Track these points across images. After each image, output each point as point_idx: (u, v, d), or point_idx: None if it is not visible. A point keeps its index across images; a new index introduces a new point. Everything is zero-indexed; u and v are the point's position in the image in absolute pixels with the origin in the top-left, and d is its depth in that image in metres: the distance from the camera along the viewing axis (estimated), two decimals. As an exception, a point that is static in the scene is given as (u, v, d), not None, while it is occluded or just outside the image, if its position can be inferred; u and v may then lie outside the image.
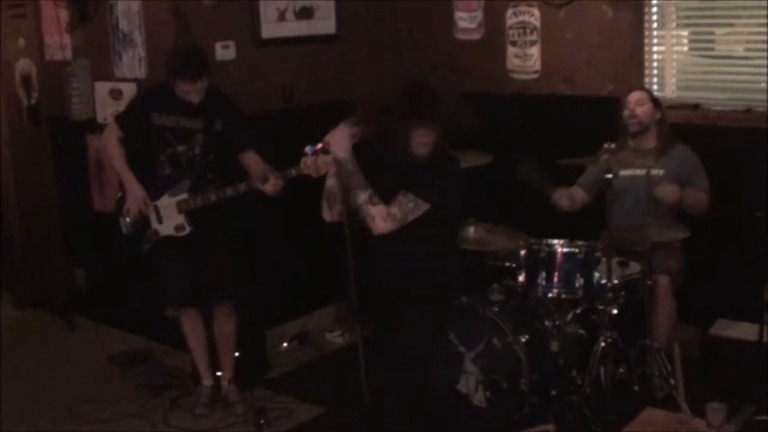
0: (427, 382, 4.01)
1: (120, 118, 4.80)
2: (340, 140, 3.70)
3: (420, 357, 3.85)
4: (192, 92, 4.53)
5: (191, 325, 4.97)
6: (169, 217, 4.66)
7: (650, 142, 4.94)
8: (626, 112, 4.96)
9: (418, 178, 3.65)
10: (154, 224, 4.70)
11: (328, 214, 3.86)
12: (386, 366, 3.87)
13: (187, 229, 4.66)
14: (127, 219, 4.74)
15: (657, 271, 4.68)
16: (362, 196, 3.63)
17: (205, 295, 4.89)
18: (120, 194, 4.82)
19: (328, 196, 3.83)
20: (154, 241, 4.71)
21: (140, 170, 4.73)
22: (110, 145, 4.76)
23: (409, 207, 3.61)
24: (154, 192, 4.69)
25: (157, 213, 4.68)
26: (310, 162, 4.09)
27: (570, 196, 5.03)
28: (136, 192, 4.68)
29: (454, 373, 4.58)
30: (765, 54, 4.97)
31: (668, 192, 4.76)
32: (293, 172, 4.32)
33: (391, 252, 3.76)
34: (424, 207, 3.61)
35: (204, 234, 4.70)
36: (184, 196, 4.63)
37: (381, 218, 3.61)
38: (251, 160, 4.69)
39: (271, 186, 4.46)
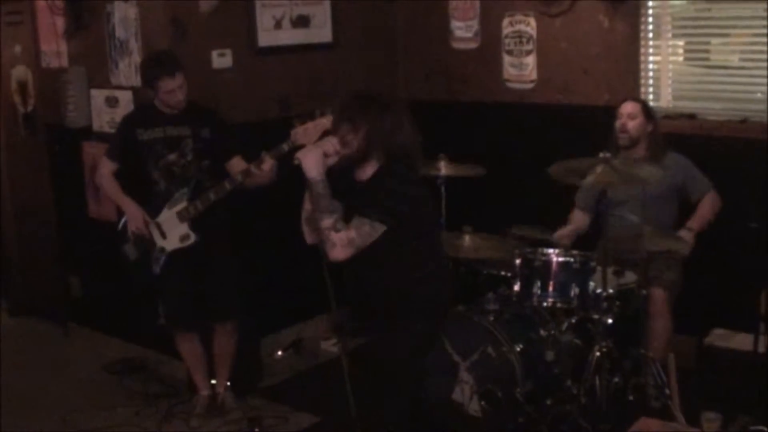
0: (419, 393, 3.99)
1: (109, 152, 4.84)
2: (312, 158, 3.54)
3: (408, 371, 3.83)
4: (176, 89, 4.55)
5: (188, 346, 4.97)
6: (173, 230, 4.65)
7: (639, 152, 4.93)
8: (617, 124, 4.95)
9: (367, 200, 3.58)
10: (159, 241, 4.68)
11: (310, 237, 3.82)
12: (375, 380, 3.86)
13: (193, 238, 4.64)
14: (131, 244, 4.73)
15: (654, 283, 4.67)
16: (327, 221, 3.52)
17: (207, 314, 4.88)
18: (120, 227, 4.81)
19: (309, 219, 3.77)
20: (164, 259, 4.69)
21: (137, 195, 4.74)
22: (105, 180, 4.83)
23: (365, 230, 3.51)
24: (153, 210, 4.68)
25: (160, 229, 4.67)
26: (300, 131, 4.09)
27: (570, 235, 4.98)
28: (133, 210, 4.69)
29: (449, 382, 4.58)
30: (760, 64, 4.97)
31: (689, 239, 4.76)
32: (285, 147, 4.31)
33: (361, 275, 3.72)
34: (381, 228, 3.51)
35: (208, 249, 4.69)
36: (183, 204, 4.63)
37: (342, 245, 3.51)
38: (238, 166, 4.69)
39: (268, 166, 4.41)
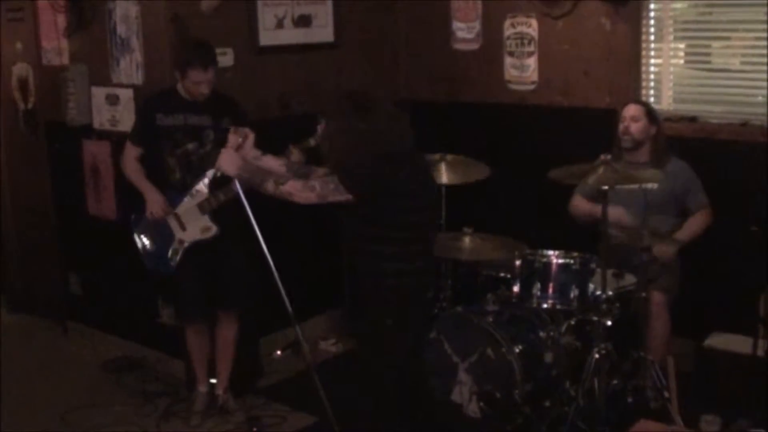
0: (409, 390, 4.04)
1: (133, 136, 4.80)
2: (229, 160, 4.00)
3: (385, 365, 3.93)
4: (203, 82, 4.52)
5: (198, 336, 4.93)
6: (193, 221, 4.62)
7: (643, 156, 4.93)
8: (621, 127, 4.94)
9: (348, 171, 3.77)
10: (178, 233, 4.66)
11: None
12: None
13: (214, 229, 4.61)
14: (147, 234, 4.69)
15: (653, 286, 4.67)
16: (269, 187, 3.83)
17: (215, 302, 4.85)
18: (134, 216, 4.78)
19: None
20: (182, 251, 4.66)
21: (153, 181, 4.72)
22: (129, 166, 4.77)
23: (329, 187, 3.74)
24: (170, 201, 4.65)
25: (179, 220, 4.64)
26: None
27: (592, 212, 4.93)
28: (155, 196, 4.64)
29: (448, 382, 4.58)
30: (761, 68, 4.98)
31: (666, 253, 4.71)
32: (312, 141, 4.32)
33: (358, 251, 3.92)
34: (345, 195, 3.73)
35: (226, 235, 4.65)
36: (204, 196, 4.60)
37: (296, 191, 3.79)
38: None
39: (296, 158, 4.35)
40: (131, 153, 4.77)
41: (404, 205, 3.76)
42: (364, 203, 3.73)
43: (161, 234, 4.68)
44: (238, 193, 4.19)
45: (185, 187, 4.63)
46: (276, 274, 4.12)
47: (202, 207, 4.60)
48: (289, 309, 4.10)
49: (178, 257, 4.67)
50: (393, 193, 3.74)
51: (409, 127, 3.89)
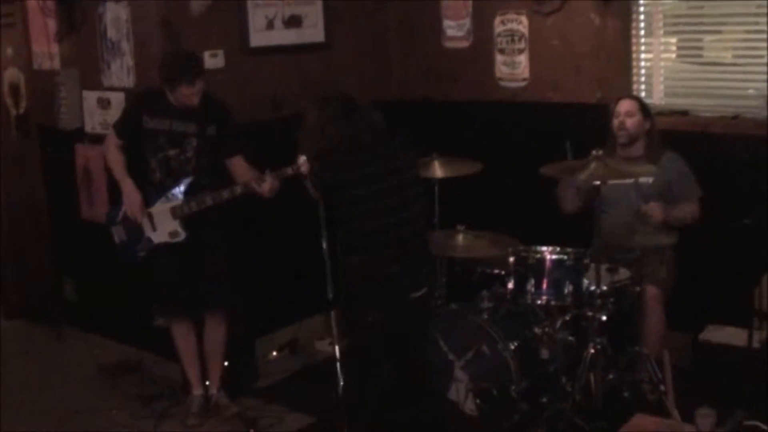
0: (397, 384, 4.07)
1: (117, 126, 4.84)
2: (305, 163, 4.28)
3: (366, 359, 4.05)
4: (193, 94, 4.54)
5: (183, 335, 4.95)
6: (164, 224, 4.66)
7: (637, 151, 4.93)
8: (615, 122, 4.94)
9: (314, 170, 4.11)
10: (148, 232, 4.70)
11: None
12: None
13: (182, 235, 4.66)
14: (121, 227, 4.74)
15: (647, 280, 4.67)
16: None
17: (198, 303, 4.87)
18: (110, 207, 4.81)
19: None
20: (148, 249, 4.71)
21: (133, 176, 4.75)
22: (110, 153, 4.80)
23: (308, 184, 4.19)
24: (147, 199, 4.69)
25: (151, 220, 4.68)
26: (303, 161, 4.27)
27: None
28: (134, 197, 4.68)
29: (444, 380, 4.58)
30: (752, 61, 4.99)
31: (654, 212, 4.73)
32: (290, 170, 4.42)
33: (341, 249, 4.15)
34: (314, 191, 4.15)
35: (199, 241, 4.70)
36: (178, 201, 4.63)
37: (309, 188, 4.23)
38: (238, 164, 4.71)
39: (268, 185, 4.52)
40: (113, 141, 4.80)
41: (363, 205, 3.90)
42: (329, 200, 4.01)
43: (133, 229, 4.72)
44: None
45: (163, 189, 4.67)
46: (329, 264, 4.55)
47: (174, 212, 4.64)
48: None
49: (144, 254, 4.74)
50: (346, 185, 3.88)
51: (373, 116, 4.09)
